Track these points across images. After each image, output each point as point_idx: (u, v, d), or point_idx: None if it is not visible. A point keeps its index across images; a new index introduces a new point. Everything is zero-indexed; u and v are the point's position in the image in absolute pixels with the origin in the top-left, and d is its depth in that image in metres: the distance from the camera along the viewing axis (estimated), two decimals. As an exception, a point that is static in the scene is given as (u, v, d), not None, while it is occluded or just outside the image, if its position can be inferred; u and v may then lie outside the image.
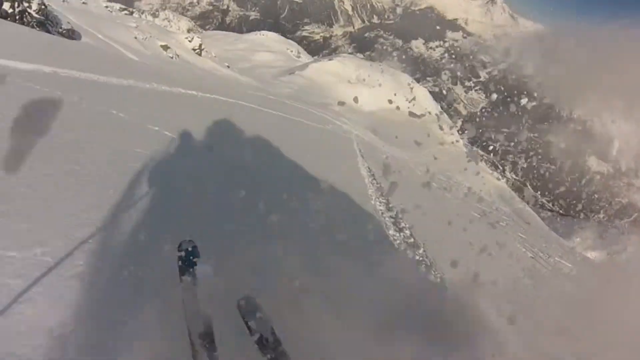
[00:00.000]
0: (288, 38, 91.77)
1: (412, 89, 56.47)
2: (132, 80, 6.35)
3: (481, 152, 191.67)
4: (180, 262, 1.96)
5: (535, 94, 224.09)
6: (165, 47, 36.92)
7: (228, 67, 48.19)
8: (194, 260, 1.97)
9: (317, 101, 31.93)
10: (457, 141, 51.70)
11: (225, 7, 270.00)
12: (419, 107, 54.75)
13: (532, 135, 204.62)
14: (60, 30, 21.36)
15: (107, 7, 45.46)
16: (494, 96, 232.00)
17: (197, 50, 45.69)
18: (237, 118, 7.08)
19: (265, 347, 1.71)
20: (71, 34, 21.52)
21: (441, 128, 50.16)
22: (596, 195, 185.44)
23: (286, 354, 1.71)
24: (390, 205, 5.87)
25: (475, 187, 25.97)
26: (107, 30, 28.78)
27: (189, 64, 35.94)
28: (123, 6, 51.91)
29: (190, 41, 45.70)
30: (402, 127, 42.61)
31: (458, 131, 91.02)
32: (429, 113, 57.45)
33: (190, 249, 2.03)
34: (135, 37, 32.79)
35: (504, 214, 12.25)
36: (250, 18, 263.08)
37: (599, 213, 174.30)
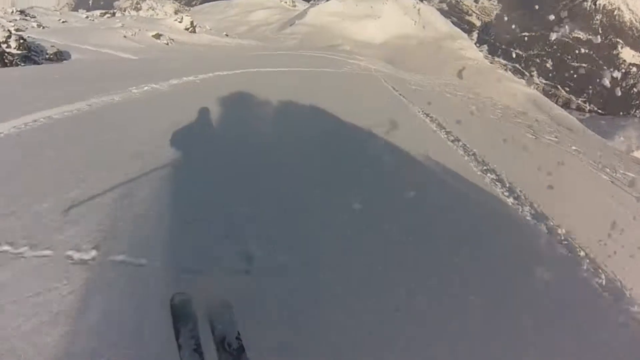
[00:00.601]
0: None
1: (418, 10, 53.15)
2: (133, 87, 5.95)
3: (504, 62, 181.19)
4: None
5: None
6: (158, 36, 35.92)
7: (226, 35, 46.88)
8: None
9: (325, 44, 30.75)
10: (475, 55, 49.21)
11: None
12: (431, 28, 51.76)
13: (556, 34, 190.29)
14: (47, 56, 21.20)
15: (87, 17, 44.10)
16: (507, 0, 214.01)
17: (190, 29, 44.44)
18: (252, 89, 6.83)
19: (226, 353, 1.60)
20: (59, 56, 21.22)
21: (457, 45, 47.70)
22: (635, 89, 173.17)
23: None
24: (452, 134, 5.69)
25: (509, 100, 24.86)
26: (95, 39, 28.17)
27: (185, 44, 35.08)
28: (103, 10, 50.63)
29: (180, 22, 44.35)
30: (417, 52, 40.73)
31: (475, 44, 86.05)
32: (441, 32, 54.41)
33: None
34: (125, 36, 32.08)
35: (546, 124, 11.62)
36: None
37: (639, 108, 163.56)
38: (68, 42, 24.97)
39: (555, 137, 8.55)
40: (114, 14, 48.78)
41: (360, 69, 16.03)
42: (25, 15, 34.56)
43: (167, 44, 34.78)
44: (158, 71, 8.17)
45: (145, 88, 5.64)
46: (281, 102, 5.92)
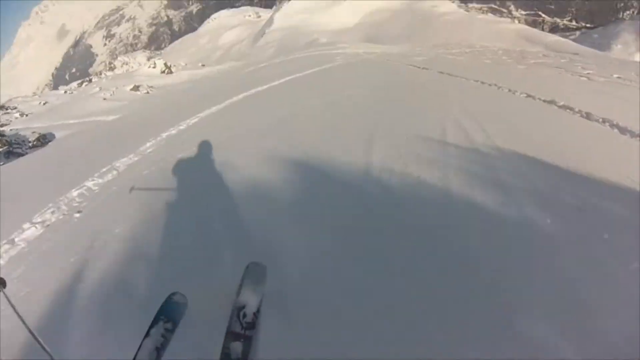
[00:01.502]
0: (236, 7, 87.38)
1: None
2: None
3: (478, 6, 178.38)
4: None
5: None
6: (136, 88, 35.86)
7: (203, 66, 46.93)
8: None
9: (303, 43, 30.46)
10: (450, 8, 48.09)
11: (165, 19, 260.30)
12: (399, -5, 50.84)
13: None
14: (30, 145, 20.97)
15: (65, 92, 44.38)
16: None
17: (166, 70, 44.49)
18: (245, 117, 6.37)
19: (237, 321, 1.66)
20: (43, 140, 20.83)
21: (430, 4, 46.84)
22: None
23: (251, 341, 1.64)
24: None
25: (501, 42, 24.12)
26: (76, 110, 28.44)
27: (165, 87, 35.02)
28: (79, 81, 51.17)
29: (154, 67, 44.46)
30: (393, 23, 39.97)
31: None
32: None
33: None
34: (104, 99, 32.24)
35: (533, 54, 11.23)
36: (194, 11, 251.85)
37: (627, 10, 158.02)
38: (52, 122, 25.17)
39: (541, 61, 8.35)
40: (90, 81, 49.11)
41: (353, 57, 15.68)
42: (6, 109, 34.93)
43: (147, 92, 34.69)
44: (144, 126, 7.84)
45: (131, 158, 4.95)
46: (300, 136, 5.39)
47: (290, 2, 51.74)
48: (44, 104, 38.79)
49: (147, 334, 1.66)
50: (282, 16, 49.19)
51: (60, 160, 6.82)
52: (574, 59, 10.09)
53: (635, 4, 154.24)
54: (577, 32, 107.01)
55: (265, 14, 73.07)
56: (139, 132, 6.80)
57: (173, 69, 46.27)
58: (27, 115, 32.56)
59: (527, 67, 8.38)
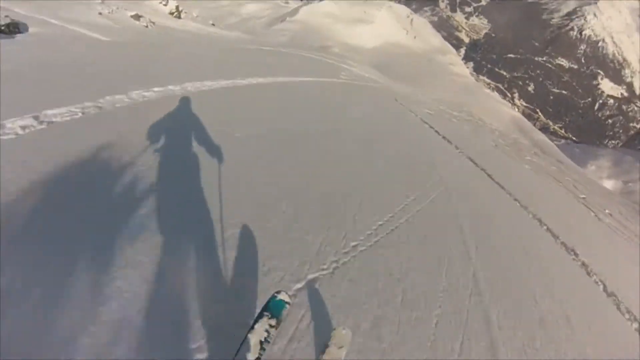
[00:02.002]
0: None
1: (411, 20, 52.84)
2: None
3: (488, 80, 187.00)
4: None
5: (544, 16, 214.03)
6: (137, 17, 33.12)
7: (213, 25, 44.77)
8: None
9: (315, 45, 29.56)
10: (463, 72, 49.31)
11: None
12: (422, 40, 51.47)
13: (541, 59, 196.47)
14: None
15: None
16: (497, 20, 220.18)
17: (175, 13, 41.90)
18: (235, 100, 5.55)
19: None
20: (13, 29, 18.42)
21: (446, 59, 47.68)
22: (610, 121, 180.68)
23: None
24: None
25: (493, 120, 24.42)
26: (65, 12, 25.43)
27: (166, 29, 32.41)
28: None
29: (165, 4, 41.73)
30: (407, 62, 40.17)
31: (462, 60, 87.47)
32: (432, 45, 54.27)
33: (280, 301, 2.01)
34: (100, 13, 29.25)
35: (526, 148, 11.10)
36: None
37: (613, 139, 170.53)
38: (33, 14, 22.53)
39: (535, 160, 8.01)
40: None
41: (356, 77, 14.94)
42: None
43: (147, 26, 32.14)
44: (111, 72, 6.46)
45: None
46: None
47: (322, 2, 51.05)
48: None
49: (252, 328, 1.79)
50: (308, 11, 48.23)
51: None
52: (561, 168, 9.87)
53: (623, 137, 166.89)
54: (562, 140, 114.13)
55: (293, 3, 72.11)
56: (100, 77, 5.47)
57: (182, 15, 43.77)
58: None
59: (522, 164, 8.02)
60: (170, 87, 5.41)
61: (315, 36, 38.22)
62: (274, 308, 1.92)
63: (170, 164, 3.17)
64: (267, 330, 1.80)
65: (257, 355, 1.71)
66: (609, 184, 56.07)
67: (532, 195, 5.85)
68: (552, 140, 59.97)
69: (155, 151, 3.31)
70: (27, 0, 26.36)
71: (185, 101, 4.83)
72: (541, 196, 6.31)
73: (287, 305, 1.97)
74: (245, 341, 1.72)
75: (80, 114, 3.68)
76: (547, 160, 9.46)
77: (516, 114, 44.60)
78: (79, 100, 3.91)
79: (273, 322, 1.86)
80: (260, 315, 1.86)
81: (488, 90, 47.42)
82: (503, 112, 37.61)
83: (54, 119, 3.46)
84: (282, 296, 1.99)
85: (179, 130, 3.94)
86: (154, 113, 4.14)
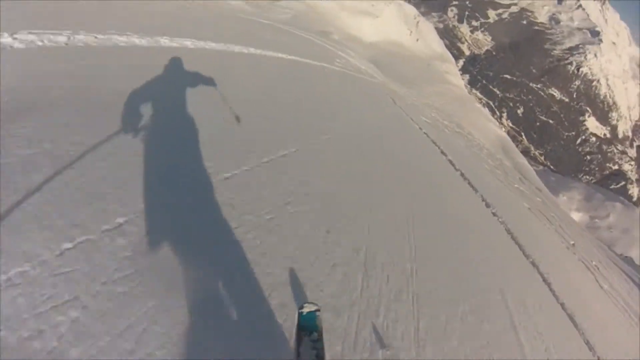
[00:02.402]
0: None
1: (417, 22, 52.22)
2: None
3: (480, 96, 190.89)
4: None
5: (546, 46, 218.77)
6: None
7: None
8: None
9: (317, 29, 28.64)
10: (458, 82, 49.38)
11: None
12: (424, 44, 51.02)
13: (535, 86, 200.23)
14: None
15: None
16: (501, 40, 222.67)
17: None
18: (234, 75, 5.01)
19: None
20: None
21: (444, 68, 47.57)
22: (589, 157, 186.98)
23: None
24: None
25: (481, 136, 24.38)
26: None
27: None
28: None
29: None
30: (405, 62, 39.71)
31: (459, 71, 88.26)
32: (433, 50, 53.98)
33: (309, 313, 1.89)
34: None
35: (510, 172, 10.96)
36: None
37: (589, 175, 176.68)
38: None
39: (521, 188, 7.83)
40: None
41: (352, 68, 14.39)
42: None
43: None
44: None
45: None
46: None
47: (332, -13, 49.67)
48: None
49: (298, 354, 1.69)
50: (316, -6, 46.81)
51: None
52: (544, 200, 9.67)
53: (598, 175, 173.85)
54: (540, 167, 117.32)
55: (303, -17, 70.07)
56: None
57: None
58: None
59: (512, 192, 7.73)
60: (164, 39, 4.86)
61: (317, 19, 37.13)
62: (307, 323, 1.83)
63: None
64: (314, 348, 1.74)
65: None
66: (576, 216, 58.17)
67: (532, 239, 5.49)
68: (532, 165, 61.33)
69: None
70: None
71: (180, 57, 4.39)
72: (538, 240, 5.96)
73: (318, 313, 1.89)
74: None
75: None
76: (530, 189, 9.25)
77: (502, 133, 45.06)
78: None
79: (315, 336, 1.79)
80: (299, 338, 1.78)
81: (479, 105, 47.67)
82: (490, 129, 37.81)
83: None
84: (308, 308, 1.90)
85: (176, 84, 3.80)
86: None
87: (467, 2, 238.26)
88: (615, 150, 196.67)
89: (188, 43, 5.64)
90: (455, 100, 32.88)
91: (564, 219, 8.22)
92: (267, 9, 42.50)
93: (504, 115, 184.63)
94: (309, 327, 1.80)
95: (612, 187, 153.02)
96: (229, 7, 31.33)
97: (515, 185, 8.10)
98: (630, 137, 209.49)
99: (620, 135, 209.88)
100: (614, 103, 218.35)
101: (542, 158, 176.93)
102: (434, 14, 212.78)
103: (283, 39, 12.95)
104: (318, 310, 1.89)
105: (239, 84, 4.77)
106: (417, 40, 48.23)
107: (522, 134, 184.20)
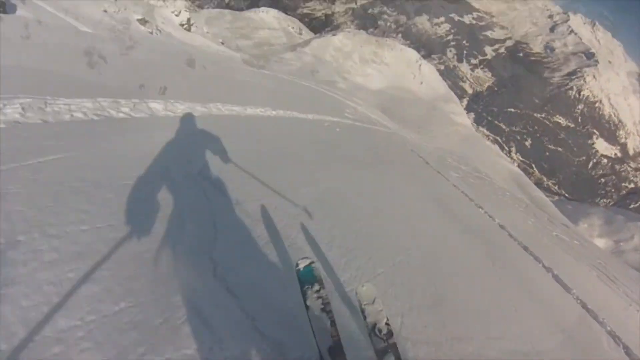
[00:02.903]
0: (289, 15, 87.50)
1: (420, 66, 53.69)
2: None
3: (487, 132, 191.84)
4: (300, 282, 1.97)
5: (545, 74, 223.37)
6: (144, 21, 32.23)
7: (222, 43, 44.87)
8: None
9: (323, 79, 29.40)
10: (465, 122, 49.74)
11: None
12: (428, 86, 52.12)
13: (539, 115, 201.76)
14: None
15: None
16: (501, 74, 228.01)
17: (186, 26, 41.59)
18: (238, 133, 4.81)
19: (377, 337, 1.80)
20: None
21: (450, 108, 48.13)
22: (603, 180, 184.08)
23: (396, 346, 1.78)
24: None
25: (497, 176, 23.93)
26: (65, 1, 24.39)
27: (172, 38, 31.05)
28: None
29: (177, 15, 41.38)
30: (412, 107, 40.30)
31: (464, 110, 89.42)
32: (437, 92, 55.05)
33: (305, 267, 2.02)
34: (105, 10, 28.33)
35: (531, 209, 10.49)
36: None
37: (605, 197, 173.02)
38: None
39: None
40: None
41: (363, 118, 14.34)
42: None
43: (152, 32, 31.30)
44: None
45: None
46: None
47: (336, 36, 51.89)
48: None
49: (307, 308, 1.83)
50: (320, 44, 48.88)
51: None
52: (582, 243, 9.04)
53: (615, 196, 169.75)
54: (556, 197, 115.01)
55: (307, 34, 73.55)
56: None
57: (193, 29, 43.64)
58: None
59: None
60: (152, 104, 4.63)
61: (323, 69, 38.36)
62: (306, 278, 1.94)
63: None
64: (319, 297, 1.85)
65: (330, 320, 1.76)
66: (600, 242, 55.78)
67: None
68: (547, 196, 60.13)
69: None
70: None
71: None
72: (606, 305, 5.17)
73: (313, 265, 2.00)
74: (311, 320, 1.77)
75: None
76: (570, 235, 8.68)
77: (514, 168, 44.54)
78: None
79: (316, 287, 1.90)
80: (304, 292, 1.89)
81: (488, 143, 47.65)
82: (503, 166, 37.42)
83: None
84: (302, 263, 2.00)
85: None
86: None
87: (465, 42, 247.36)
88: (629, 169, 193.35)
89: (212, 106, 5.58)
90: (465, 140, 32.84)
91: (606, 260, 7.59)
92: (272, 62, 44.30)
93: (513, 149, 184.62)
94: (308, 280, 1.91)
95: (632, 206, 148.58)
96: (233, 59, 32.48)
97: (555, 234, 7.59)
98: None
99: (632, 152, 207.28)
100: (620, 121, 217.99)
101: (556, 187, 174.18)
102: (434, 56, 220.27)
103: (289, 90, 13.03)
104: (312, 262, 2.00)
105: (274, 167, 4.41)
106: (422, 83, 49.38)
107: (533, 165, 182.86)
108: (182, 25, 40.07)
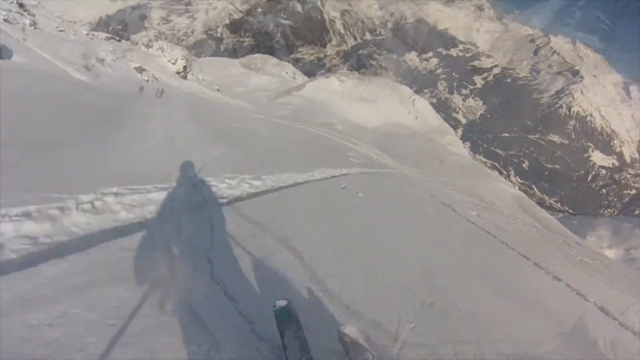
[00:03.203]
0: (282, 61, 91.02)
1: (413, 101, 55.17)
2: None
3: (484, 160, 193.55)
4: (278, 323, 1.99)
5: (534, 96, 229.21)
6: (140, 69, 33.10)
7: (218, 90, 45.98)
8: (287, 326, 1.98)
9: (319, 120, 30.14)
10: (462, 152, 50.34)
11: (219, 34, 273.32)
12: (422, 120, 53.26)
13: (533, 136, 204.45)
14: None
15: (88, 34, 39.56)
16: (492, 101, 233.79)
17: (182, 74, 42.74)
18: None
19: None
20: None
21: (446, 140, 48.81)
22: (604, 190, 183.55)
23: None
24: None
25: (502, 203, 23.90)
26: (63, 50, 24.65)
27: (169, 87, 31.22)
28: (110, 35, 44.99)
29: (173, 64, 42.67)
30: (408, 142, 40.98)
31: (460, 139, 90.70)
32: (432, 125, 56.16)
33: (282, 309, 2.05)
34: (102, 59, 29.33)
35: (548, 236, 10.48)
36: (244, 44, 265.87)
37: (609, 207, 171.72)
38: (31, 45, 21.66)
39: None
40: (118, 40, 43.57)
41: (367, 160, 14.44)
42: (23, 10, 28.91)
43: (148, 80, 31.55)
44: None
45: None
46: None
47: (329, 79, 53.61)
48: (59, 30, 32.09)
49: (284, 347, 1.85)
50: (314, 87, 50.47)
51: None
52: (603, 262, 8.93)
53: (618, 205, 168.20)
54: (560, 214, 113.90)
55: (301, 78, 75.85)
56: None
57: (189, 76, 44.79)
58: (33, 27, 27.46)
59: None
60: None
61: (319, 112, 39.42)
62: (283, 319, 1.97)
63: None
64: (296, 337, 1.87)
65: (309, 357, 1.80)
66: (610, 253, 54.57)
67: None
68: (551, 215, 59.50)
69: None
70: (34, 35, 24.83)
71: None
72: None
73: (288, 304, 2.05)
74: (289, 358, 1.79)
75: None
76: (591, 257, 8.63)
77: (516, 191, 44.51)
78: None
79: (293, 327, 1.93)
80: (281, 334, 1.92)
81: (488, 170, 47.97)
82: (505, 190, 37.39)
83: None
84: (279, 304, 2.06)
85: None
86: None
87: (454, 74, 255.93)
88: (628, 176, 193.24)
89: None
90: (464, 170, 33.10)
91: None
92: (267, 106, 45.42)
93: (511, 172, 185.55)
94: (285, 321, 1.95)
95: (637, 212, 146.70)
96: (229, 106, 32.96)
97: (579, 258, 7.57)
98: (639, 157, 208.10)
99: (629, 160, 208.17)
100: (613, 131, 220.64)
101: (559, 204, 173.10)
102: (425, 90, 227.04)
103: (294, 136, 13.22)
104: (289, 303, 2.06)
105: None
106: (416, 118, 50.55)
107: (533, 186, 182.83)
108: (178, 73, 41.25)
